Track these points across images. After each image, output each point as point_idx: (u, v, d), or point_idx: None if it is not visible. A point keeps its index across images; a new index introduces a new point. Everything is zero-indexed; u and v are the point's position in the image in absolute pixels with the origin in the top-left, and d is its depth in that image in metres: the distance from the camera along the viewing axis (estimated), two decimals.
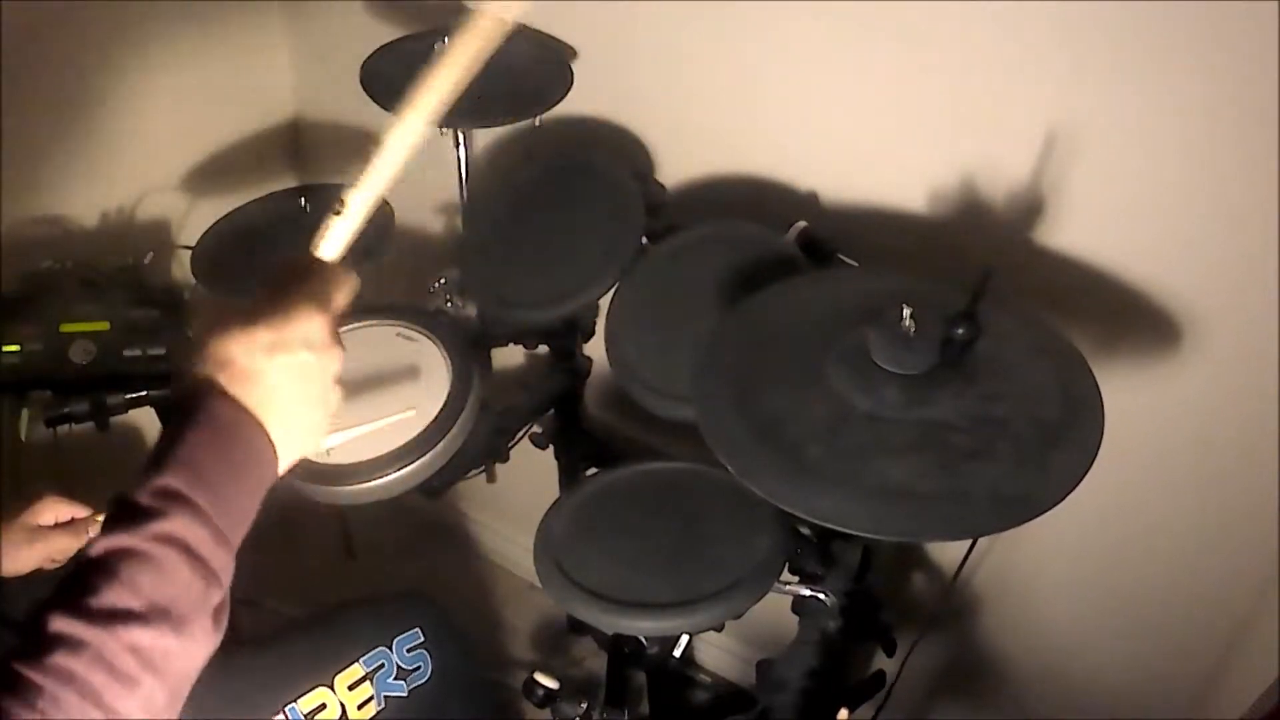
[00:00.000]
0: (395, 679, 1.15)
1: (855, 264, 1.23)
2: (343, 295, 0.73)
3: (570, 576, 1.12)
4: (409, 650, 1.17)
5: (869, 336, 0.95)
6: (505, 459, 1.43)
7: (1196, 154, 1.09)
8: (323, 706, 1.10)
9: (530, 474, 1.55)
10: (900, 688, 1.35)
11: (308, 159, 1.97)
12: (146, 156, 1.72)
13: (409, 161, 0.76)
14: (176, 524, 0.60)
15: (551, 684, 1.21)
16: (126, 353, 1.40)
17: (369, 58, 1.40)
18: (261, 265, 0.69)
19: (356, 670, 1.13)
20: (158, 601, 0.58)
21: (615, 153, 1.49)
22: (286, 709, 1.08)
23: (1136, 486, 1.29)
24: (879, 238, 1.32)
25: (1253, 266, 1.10)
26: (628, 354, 1.25)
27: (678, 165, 1.48)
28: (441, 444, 1.17)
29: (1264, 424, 1.17)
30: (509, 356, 1.57)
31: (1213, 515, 1.28)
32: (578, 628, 1.95)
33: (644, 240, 1.30)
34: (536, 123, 1.35)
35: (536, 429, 1.53)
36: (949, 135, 1.23)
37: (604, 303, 1.29)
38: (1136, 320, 1.19)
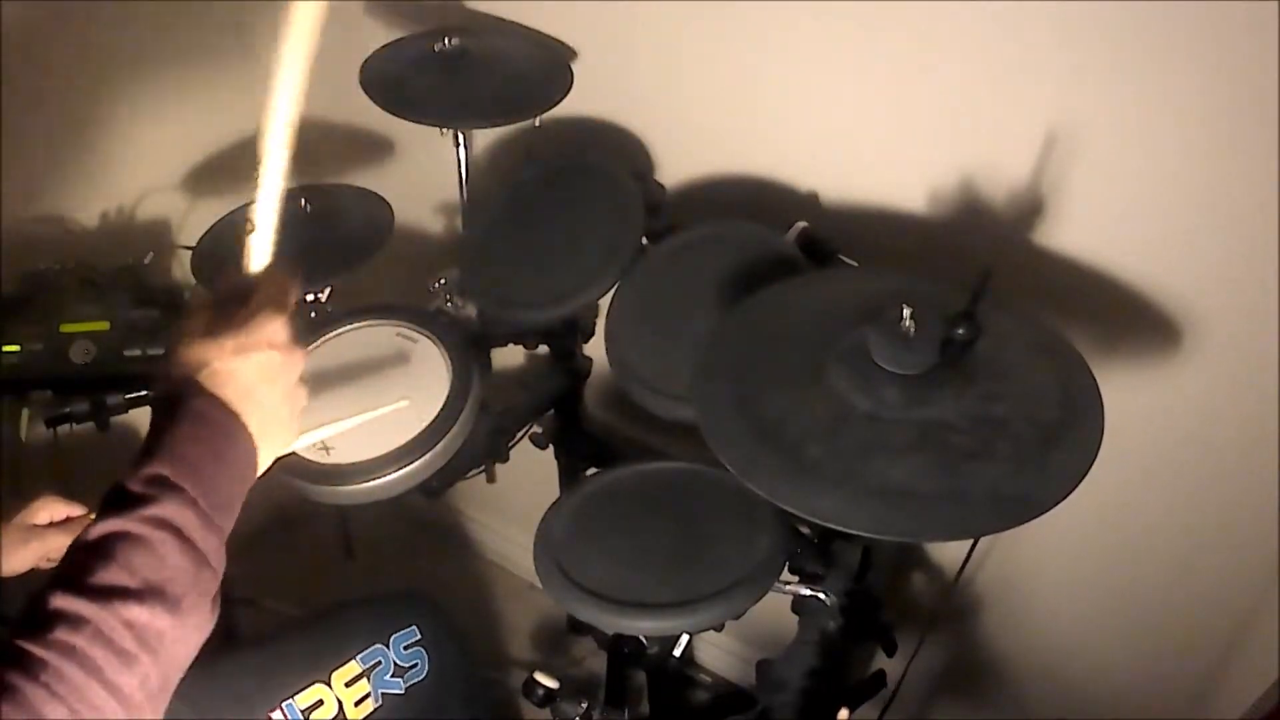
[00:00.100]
0: (392, 676, 1.15)
1: (855, 264, 1.23)
2: (290, 296, 0.79)
3: (570, 576, 1.12)
4: (406, 648, 1.17)
5: (869, 336, 0.95)
6: (505, 459, 1.43)
7: (1196, 154, 1.09)
8: (320, 703, 1.10)
9: (530, 474, 1.55)
10: (903, 688, 1.35)
11: (308, 159, 1.96)
12: (146, 157, 1.72)
13: (285, 167, 0.84)
14: (167, 508, 0.64)
15: (551, 684, 1.21)
16: (126, 353, 1.40)
17: (369, 58, 1.40)
18: (207, 290, 0.77)
19: (353, 667, 1.13)
20: (152, 580, 0.62)
21: (615, 153, 1.49)
22: (283, 705, 1.08)
23: (1136, 486, 1.29)
24: (879, 238, 1.32)
25: (1252, 266, 1.10)
26: (628, 354, 1.25)
27: (678, 165, 1.48)
28: (441, 444, 1.17)
29: (1264, 424, 1.17)
30: (509, 356, 1.57)
31: (1213, 515, 1.28)
32: (578, 628, 1.95)
33: (644, 240, 1.30)
34: (536, 123, 1.35)
35: (536, 429, 1.53)
36: (949, 135, 1.23)
37: (604, 303, 1.29)
38: (1136, 320, 1.19)
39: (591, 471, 1.43)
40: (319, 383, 1.24)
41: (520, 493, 1.58)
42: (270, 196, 0.82)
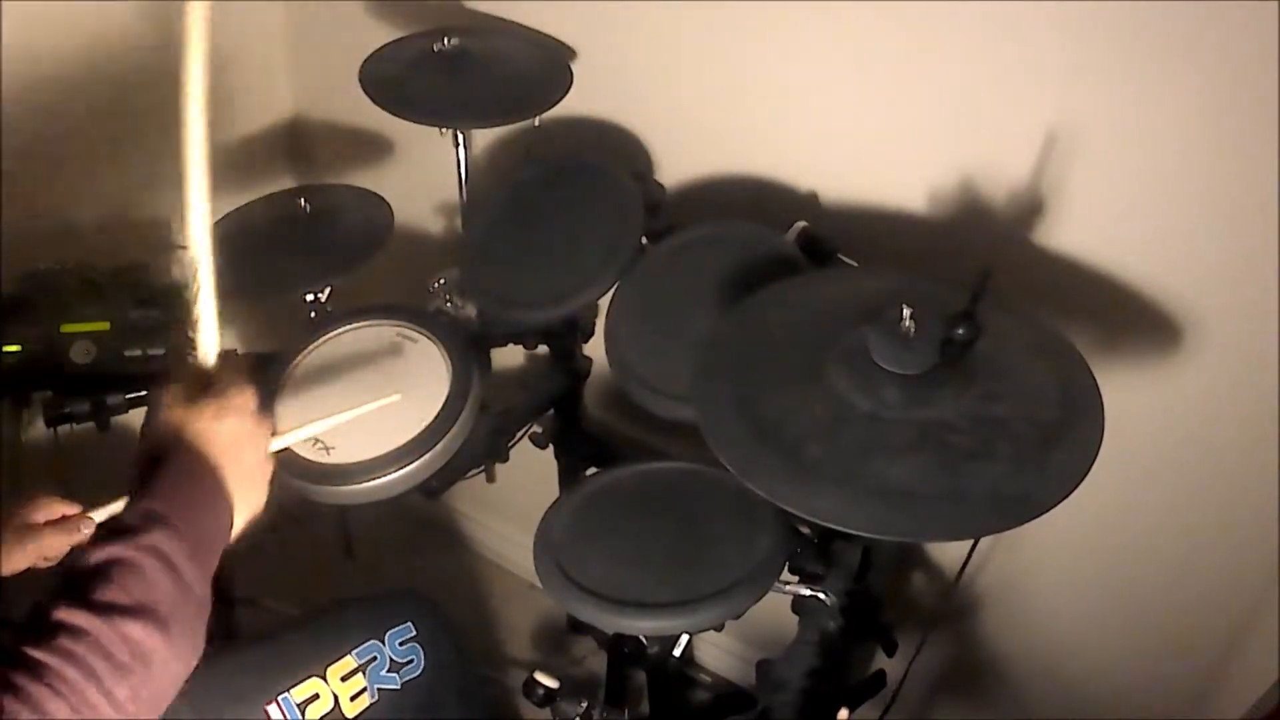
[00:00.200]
0: (388, 671, 1.16)
1: (855, 264, 1.23)
2: (245, 376, 0.91)
3: (570, 576, 1.12)
4: (401, 643, 1.18)
5: (869, 336, 0.95)
6: (505, 459, 1.43)
7: (1196, 154, 1.09)
8: (315, 697, 1.11)
9: (530, 474, 1.55)
10: (903, 688, 1.35)
11: (307, 159, 1.97)
12: (147, 156, 1.71)
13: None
14: (157, 538, 0.74)
15: (551, 683, 1.21)
16: (126, 353, 1.40)
17: (368, 58, 1.40)
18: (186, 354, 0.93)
19: (349, 662, 1.14)
20: (144, 601, 0.70)
21: (615, 153, 1.49)
22: (280, 699, 1.09)
23: (1136, 486, 1.29)
24: (879, 238, 1.32)
25: (1252, 266, 1.10)
26: (627, 354, 1.25)
27: (677, 165, 1.48)
28: (441, 444, 1.17)
29: (1264, 424, 1.17)
30: (509, 356, 1.57)
31: (1213, 515, 1.28)
32: (578, 627, 1.95)
33: (644, 240, 1.30)
34: (536, 123, 1.35)
35: (536, 429, 1.53)
36: (949, 135, 1.23)
37: (604, 303, 1.29)
38: (1136, 320, 1.19)
39: (591, 471, 1.43)
40: (319, 382, 1.24)
41: (520, 493, 1.58)
42: (206, 293, 0.91)
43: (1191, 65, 1.05)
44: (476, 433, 1.24)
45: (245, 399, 0.89)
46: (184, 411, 0.85)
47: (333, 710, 1.11)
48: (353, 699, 1.13)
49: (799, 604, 1.19)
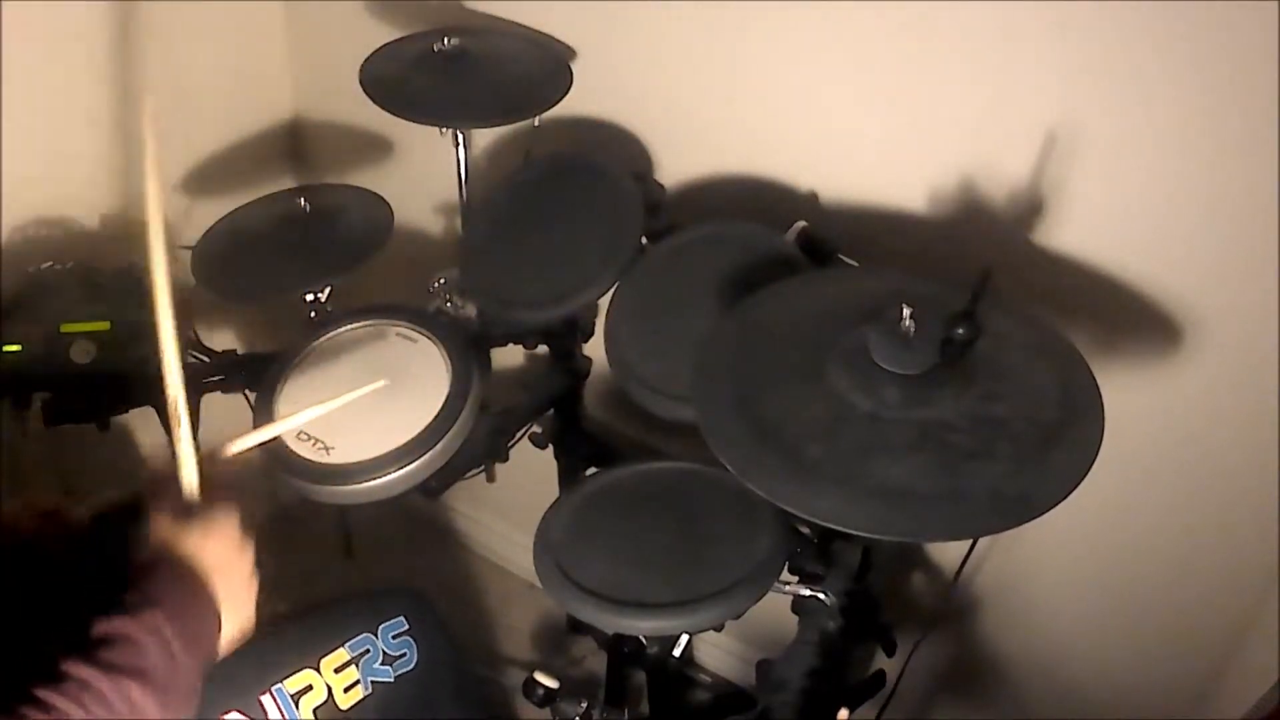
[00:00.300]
0: (381, 664, 1.17)
1: (855, 264, 1.23)
2: (231, 500, 0.94)
3: (570, 576, 1.12)
4: (394, 637, 1.19)
5: (869, 336, 0.95)
6: (505, 459, 1.43)
7: (1197, 154, 1.09)
8: (309, 688, 1.12)
9: (530, 474, 1.55)
10: (902, 687, 1.35)
11: (307, 159, 1.97)
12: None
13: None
14: (158, 621, 0.81)
15: (551, 683, 1.20)
16: (127, 353, 1.40)
17: (369, 58, 1.40)
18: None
19: (342, 654, 1.15)
20: (144, 668, 0.78)
21: (615, 153, 1.49)
22: (273, 689, 1.10)
23: (1136, 486, 1.29)
24: (879, 238, 1.32)
25: (1253, 266, 1.10)
26: (627, 354, 1.25)
27: (677, 165, 1.48)
28: (441, 444, 1.17)
29: (1264, 424, 1.17)
30: (509, 356, 1.57)
31: (1213, 515, 1.28)
32: (578, 627, 1.95)
33: (643, 240, 1.30)
34: (536, 123, 1.35)
35: (536, 429, 1.53)
36: (949, 135, 1.23)
37: (604, 303, 1.29)
38: (1136, 320, 1.19)
39: (591, 471, 1.43)
40: (319, 382, 1.24)
41: (520, 493, 1.58)
42: (183, 434, 0.91)
43: (1192, 65, 1.05)
44: (476, 433, 1.24)
45: (230, 520, 0.92)
46: (171, 534, 0.88)
47: (326, 702, 1.12)
48: (346, 690, 1.14)
49: (799, 604, 1.19)
